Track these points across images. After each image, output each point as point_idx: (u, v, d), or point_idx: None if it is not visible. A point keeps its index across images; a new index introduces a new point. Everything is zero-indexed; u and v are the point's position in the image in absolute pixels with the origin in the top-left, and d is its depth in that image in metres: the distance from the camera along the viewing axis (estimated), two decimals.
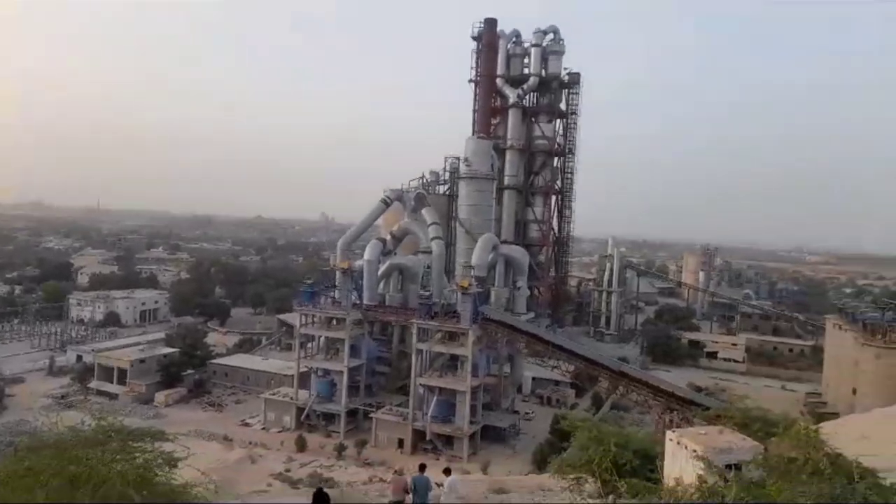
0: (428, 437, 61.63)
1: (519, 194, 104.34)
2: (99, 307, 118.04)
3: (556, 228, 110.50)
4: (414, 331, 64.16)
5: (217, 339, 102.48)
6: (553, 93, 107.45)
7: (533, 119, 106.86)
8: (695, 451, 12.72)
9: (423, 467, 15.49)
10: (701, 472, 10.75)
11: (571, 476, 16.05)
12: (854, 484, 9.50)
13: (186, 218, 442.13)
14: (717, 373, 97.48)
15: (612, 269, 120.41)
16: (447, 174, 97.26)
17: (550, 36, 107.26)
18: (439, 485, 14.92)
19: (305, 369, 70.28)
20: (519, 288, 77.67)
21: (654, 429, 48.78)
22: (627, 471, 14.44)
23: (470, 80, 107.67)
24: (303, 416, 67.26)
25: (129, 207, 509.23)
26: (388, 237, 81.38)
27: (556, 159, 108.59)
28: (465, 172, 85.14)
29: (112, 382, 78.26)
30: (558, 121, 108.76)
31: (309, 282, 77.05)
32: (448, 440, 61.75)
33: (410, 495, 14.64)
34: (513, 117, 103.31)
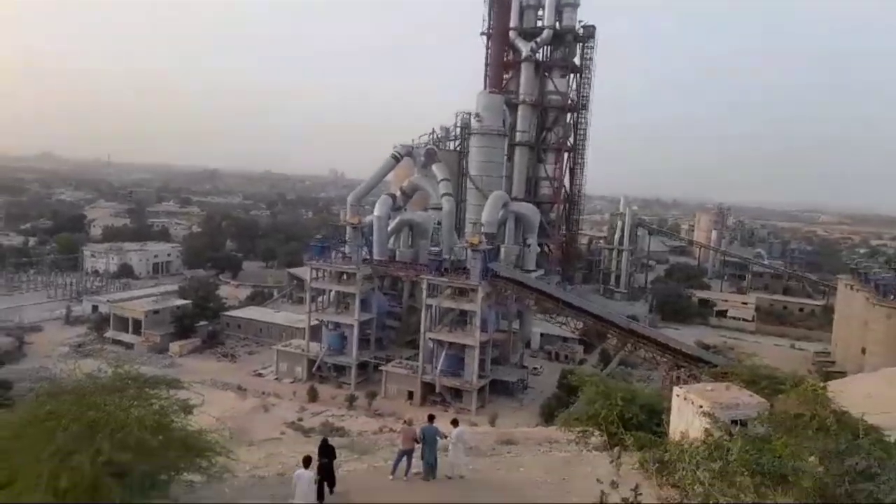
0: (437, 390, 62.76)
1: (531, 151, 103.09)
2: (112, 259, 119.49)
3: (567, 185, 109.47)
4: (424, 286, 64.57)
5: (229, 291, 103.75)
6: (567, 46, 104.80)
7: (546, 73, 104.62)
8: (701, 406, 12.85)
9: (431, 418, 15.76)
10: (707, 427, 10.88)
11: (578, 429, 16.35)
12: (859, 440, 9.59)
13: (194, 171, 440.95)
14: (726, 331, 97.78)
15: (623, 228, 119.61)
16: (458, 130, 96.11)
17: None
18: (445, 436, 15.23)
19: (316, 322, 71.26)
20: (529, 245, 77.61)
21: (661, 385, 49.36)
22: (634, 425, 14.67)
23: (482, 33, 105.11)
24: (314, 368, 68.55)
25: (137, 160, 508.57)
26: (399, 193, 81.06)
27: (568, 115, 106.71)
28: (476, 128, 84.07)
29: (127, 332, 79.87)
30: (572, 75, 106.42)
31: (319, 237, 77.30)
32: (457, 393, 62.86)
33: (420, 445, 14.94)
34: (525, 72, 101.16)
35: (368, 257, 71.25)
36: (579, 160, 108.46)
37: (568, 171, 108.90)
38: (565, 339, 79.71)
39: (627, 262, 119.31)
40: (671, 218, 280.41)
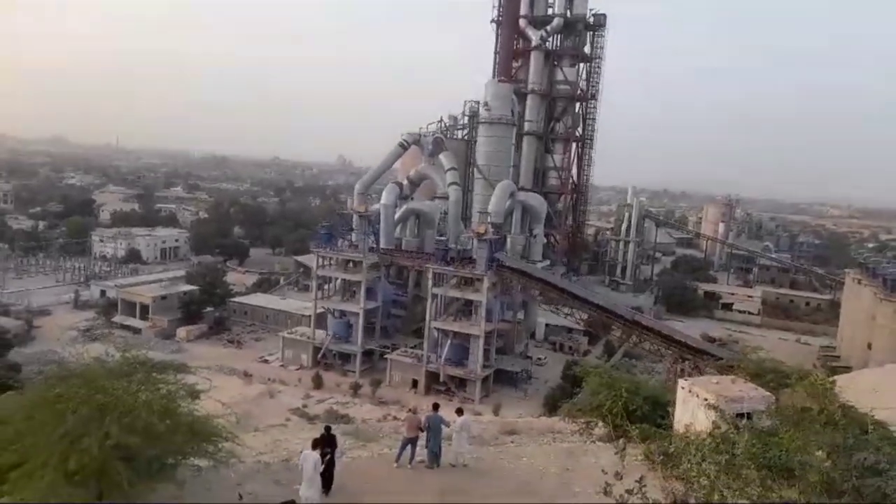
0: (441, 379, 63.02)
1: (539, 140, 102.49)
2: (121, 244, 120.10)
3: (575, 176, 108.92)
4: (430, 275, 64.67)
5: (236, 278, 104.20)
6: (577, 35, 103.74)
7: (556, 62, 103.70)
8: (706, 399, 12.85)
9: (436, 407, 15.85)
10: (715, 420, 10.88)
11: (582, 420, 16.40)
12: (867, 435, 9.57)
13: (202, 157, 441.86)
14: (731, 324, 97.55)
15: (630, 219, 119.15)
16: (466, 118, 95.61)
17: None
18: (448, 425, 15.33)
19: (322, 310, 71.57)
20: (535, 235, 77.52)
21: (666, 378, 49.36)
22: (638, 416, 14.70)
23: (492, 21, 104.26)
24: (319, 355, 68.90)
25: (146, 145, 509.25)
26: (406, 181, 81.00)
27: (577, 105, 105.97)
28: (484, 117, 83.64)
29: (135, 317, 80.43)
30: (582, 65, 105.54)
31: (326, 224, 77.45)
32: (461, 382, 63.10)
33: (424, 433, 15.03)
34: (535, 60, 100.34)
35: (375, 246, 71.35)
36: (588, 150, 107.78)
37: (576, 161, 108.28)
38: (570, 330, 79.77)
39: (634, 254, 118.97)
40: (679, 210, 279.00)
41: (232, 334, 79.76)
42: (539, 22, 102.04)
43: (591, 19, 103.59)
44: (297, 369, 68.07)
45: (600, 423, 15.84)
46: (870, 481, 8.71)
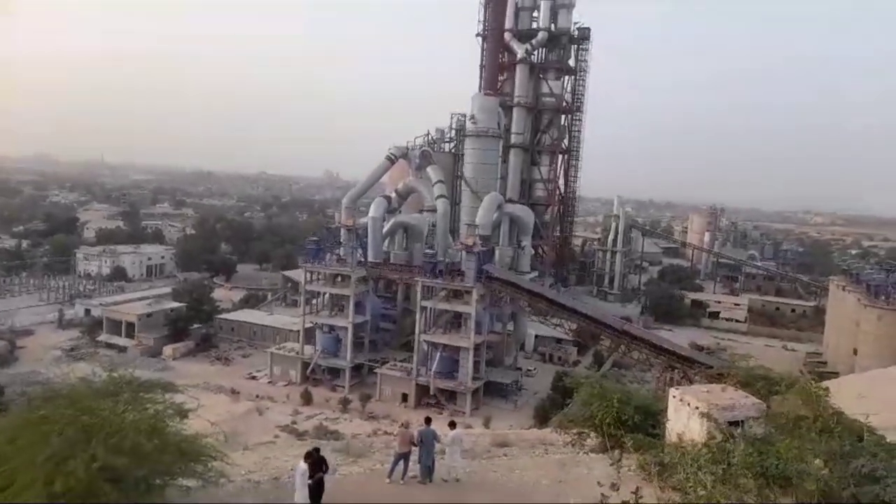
0: (431, 392, 62.71)
1: (525, 153, 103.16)
2: (106, 262, 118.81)
3: (561, 187, 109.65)
4: (418, 288, 64.56)
5: (223, 294, 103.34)
6: (562, 48, 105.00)
7: (541, 75, 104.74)
8: (697, 407, 12.86)
9: (428, 420, 15.74)
10: (710, 429, 10.85)
11: (574, 431, 16.33)
12: (863, 441, 9.60)
13: (189, 173, 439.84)
14: (718, 332, 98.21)
15: (616, 229, 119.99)
16: (453, 131, 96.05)
17: None
18: (440, 440, 15.22)
19: (311, 325, 71.08)
20: (523, 247, 77.73)
21: (655, 387, 49.49)
22: (630, 426, 14.65)
23: (477, 35, 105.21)
24: (308, 371, 68.36)
25: (131, 161, 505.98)
26: (393, 195, 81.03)
27: (563, 117, 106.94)
28: (471, 130, 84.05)
29: (120, 336, 79.41)
30: (567, 77, 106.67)
31: (314, 239, 77.18)
32: (451, 395, 62.82)
33: (417, 448, 14.91)
34: (520, 73, 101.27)
35: (363, 259, 71.16)
36: (574, 162, 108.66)
37: (562, 172, 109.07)
38: (559, 341, 79.85)
39: (621, 264, 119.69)
40: (665, 219, 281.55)
41: (219, 351, 78.96)
42: (524, 36, 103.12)
43: (576, 33, 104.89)
44: (286, 385, 67.44)
45: (592, 434, 15.79)
46: (867, 489, 8.71)
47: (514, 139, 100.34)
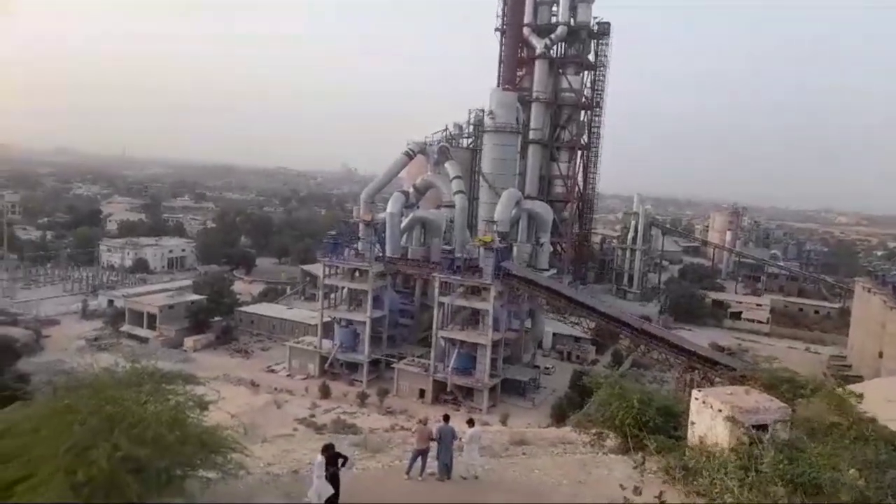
0: (449, 389, 62.69)
1: (544, 148, 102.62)
2: (128, 254, 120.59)
3: (580, 184, 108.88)
4: (436, 284, 64.50)
5: (242, 287, 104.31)
6: (582, 43, 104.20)
7: (560, 70, 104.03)
8: (720, 410, 12.63)
9: (447, 418, 15.68)
10: (737, 434, 10.55)
11: (593, 430, 16.15)
12: None
13: (208, 167, 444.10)
14: (740, 333, 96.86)
15: (636, 227, 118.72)
16: (471, 127, 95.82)
17: None
18: (458, 437, 15.15)
19: (329, 319, 71.46)
20: (542, 244, 77.34)
21: (675, 387, 48.94)
22: (650, 428, 14.45)
23: (496, 29, 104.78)
24: (326, 365, 68.75)
25: (152, 156, 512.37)
26: (411, 190, 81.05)
27: (582, 113, 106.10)
28: (489, 125, 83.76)
29: (142, 327, 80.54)
30: (586, 72, 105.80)
31: (332, 233, 77.49)
32: (468, 392, 62.76)
33: (435, 444, 14.85)
34: (539, 68, 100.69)
35: (381, 254, 71.30)
36: (593, 158, 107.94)
37: (581, 169, 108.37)
38: (577, 339, 79.31)
39: (640, 262, 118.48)
40: (685, 217, 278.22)
41: (239, 344, 79.72)
42: (543, 30, 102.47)
43: (595, 27, 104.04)
44: (304, 379, 67.90)
45: (612, 435, 15.60)
46: None
47: (532, 135, 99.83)
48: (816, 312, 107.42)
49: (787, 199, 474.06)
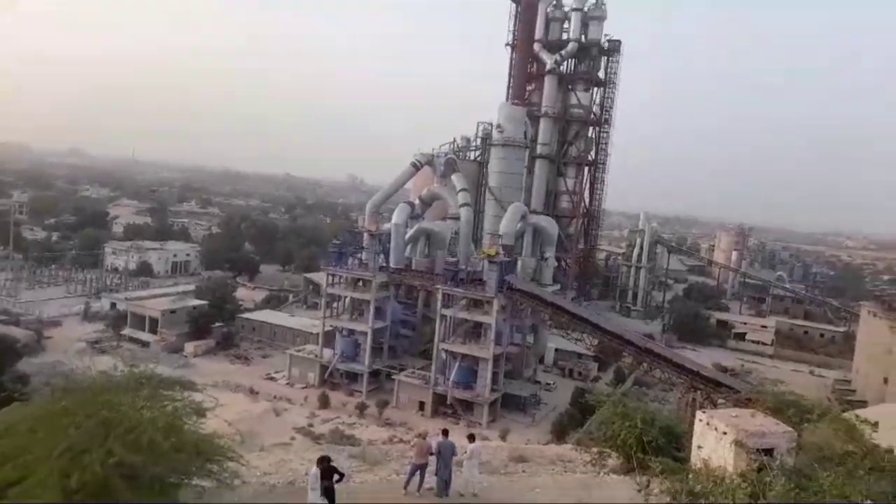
0: (448, 402, 62.29)
1: (551, 164, 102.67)
2: (132, 257, 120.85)
3: (587, 200, 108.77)
4: (439, 296, 64.31)
5: (245, 293, 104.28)
6: (592, 60, 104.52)
7: (569, 87, 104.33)
8: (725, 432, 12.40)
9: (446, 432, 15.46)
10: (745, 458, 10.28)
11: (594, 449, 15.90)
12: None
13: (216, 172, 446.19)
14: (744, 354, 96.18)
15: (642, 244, 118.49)
16: (479, 140, 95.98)
17: (592, 0, 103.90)
18: (456, 453, 14.91)
19: (330, 328, 71.26)
20: (546, 259, 77.07)
21: (677, 407, 48.47)
22: (653, 448, 14.21)
23: (507, 44, 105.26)
24: (326, 374, 68.47)
25: (161, 159, 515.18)
26: (417, 201, 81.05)
27: (591, 129, 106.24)
28: (497, 139, 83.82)
29: (144, 330, 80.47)
30: (595, 89, 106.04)
31: (337, 242, 77.47)
32: (468, 406, 62.33)
33: (434, 459, 14.62)
34: (549, 84, 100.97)
35: (385, 265, 71.21)
36: (600, 175, 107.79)
37: (588, 185, 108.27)
38: (580, 356, 78.83)
39: (645, 280, 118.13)
40: (691, 236, 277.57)
41: (239, 350, 79.55)
42: (553, 46, 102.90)
43: (606, 45, 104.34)
44: (304, 387, 67.60)
45: (614, 454, 15.34)
46: None
47: (540, 150, 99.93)
48: (822, 336, 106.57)
49: (795, 221, 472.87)
